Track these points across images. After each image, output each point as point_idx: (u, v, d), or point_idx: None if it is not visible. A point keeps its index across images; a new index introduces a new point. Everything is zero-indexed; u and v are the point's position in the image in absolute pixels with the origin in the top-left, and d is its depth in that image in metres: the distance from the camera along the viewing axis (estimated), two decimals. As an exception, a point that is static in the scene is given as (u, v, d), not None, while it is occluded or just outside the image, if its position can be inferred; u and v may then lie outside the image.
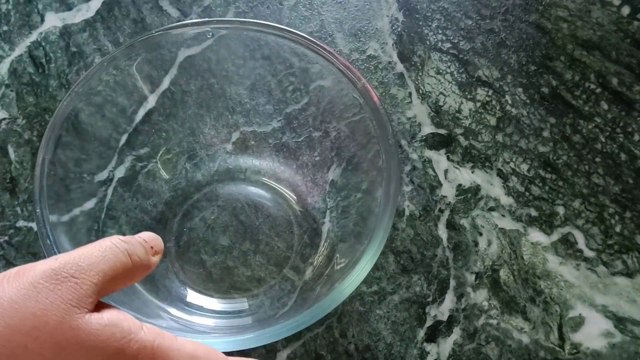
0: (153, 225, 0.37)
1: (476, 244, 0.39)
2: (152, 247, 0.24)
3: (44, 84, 0.42)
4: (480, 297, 0.37)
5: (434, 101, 0.42)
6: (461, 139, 0.41)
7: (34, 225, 0.39)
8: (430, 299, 0.37)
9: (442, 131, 0.42)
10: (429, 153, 0.41)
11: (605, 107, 0.42)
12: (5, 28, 0.44)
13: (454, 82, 0.43)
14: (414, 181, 0.40)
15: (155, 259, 0.24)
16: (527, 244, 0.39)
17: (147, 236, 0.24)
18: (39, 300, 0.18)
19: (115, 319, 0.20)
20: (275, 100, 0.37)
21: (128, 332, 0.20)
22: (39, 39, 0.43)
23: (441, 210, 0.40)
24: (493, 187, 0.40)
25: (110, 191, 0.35)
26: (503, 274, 0.38)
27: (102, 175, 0.34)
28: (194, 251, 0.37)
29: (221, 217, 0.38)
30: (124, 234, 0.33)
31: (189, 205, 0.39)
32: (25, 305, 0.18)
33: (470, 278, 0.38)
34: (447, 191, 0.40)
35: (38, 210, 0.29)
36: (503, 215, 0.39)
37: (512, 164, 0.41)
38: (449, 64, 0.43)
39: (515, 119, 0.42)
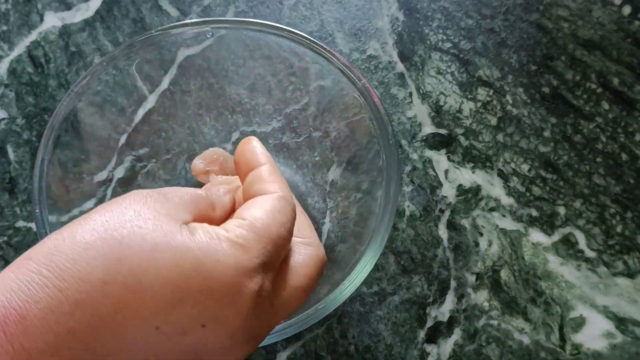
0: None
1: (477, 244, 0.39)
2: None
3: (43, 83, 0.42)
4: (481, 297, 0.37)
5: (434, 101, 0.42)
6: (462, 139, 0.41)
7: (33, 225, 0.39)
8: (430, 300, 0.37)
9: (443, 131, 0.41)
10: (430, 153, 0.41)
11: (606, 107, 0.42)
12: (4, 28, 0.44)
13: (454, 82, 0.43)
14: (414, 181, 0.40)
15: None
16: (527, 244, 0.39)
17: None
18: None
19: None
20: (275, 100, 0.37)
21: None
22: (38, 39, 0.43)
23: (442, 211, 0.39)
24: (494, 187, 0.40)
25: (109, 191, 0.35)
26: (504, 274, 0.38)
27: (102, 176, 0.34)
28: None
29: (221, 217, 0.38)
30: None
31: (189, 206, 0.38)
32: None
33: (471, 279, 0.38)
34: (448, 191, 0.40)
35: (37, 211, 0.29)
36: (504, 216, 0.39)
37: (512, 164, 0.41)
38: (449, 63, 0.43)
39: (516, 119, 0.42)
